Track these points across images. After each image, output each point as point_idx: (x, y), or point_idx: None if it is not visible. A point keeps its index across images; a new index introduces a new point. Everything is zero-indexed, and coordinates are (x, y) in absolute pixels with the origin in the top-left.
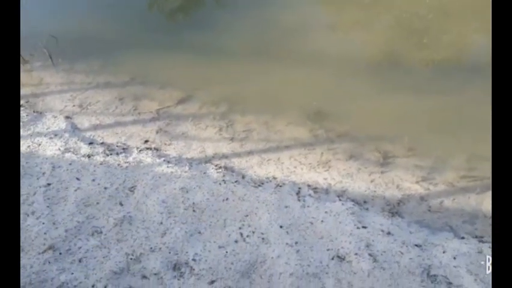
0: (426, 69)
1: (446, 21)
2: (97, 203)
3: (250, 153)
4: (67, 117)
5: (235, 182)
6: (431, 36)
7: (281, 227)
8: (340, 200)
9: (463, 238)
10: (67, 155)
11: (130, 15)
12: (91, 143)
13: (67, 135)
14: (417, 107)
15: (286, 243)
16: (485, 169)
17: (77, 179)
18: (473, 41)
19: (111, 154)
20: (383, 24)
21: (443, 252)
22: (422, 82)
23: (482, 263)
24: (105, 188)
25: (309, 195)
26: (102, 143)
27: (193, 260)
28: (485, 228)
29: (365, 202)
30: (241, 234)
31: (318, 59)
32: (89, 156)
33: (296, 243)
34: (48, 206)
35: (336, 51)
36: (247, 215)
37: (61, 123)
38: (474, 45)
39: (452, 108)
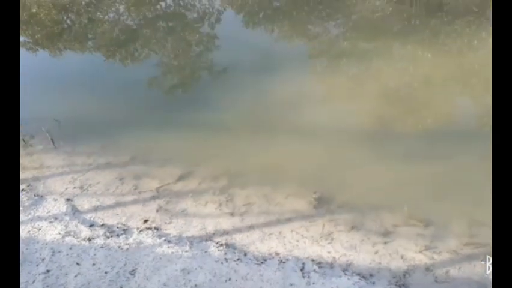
0: (417, 136)
1: (430, 89)
2: None
3: (251, 227)
4: (68, 200)
5: (237, 260)
6: (419, 103)
7: None
8: (346, 274)
9: None
10: (67, 238)
11: (129, 95)
12: (91, 225)
13: (67, 218)
14: (412, 174)
15: None
16: (487, 235)
17: (77, 264)
18: (460, 106)
19: (111, 236)
20: (371, 94)
21: None
22: (414, 148)
23: None
24: (106, 273)
25: (314, 270)
26: (102, 225)
27: None
28: None
29: (370, 275)
30: None
31: (313, 131)
32: (89, 239)
33: None
34: None
35: (329, 122)
36: None
37: (62, 206)
38: (461, 110)
39: (446, 174)
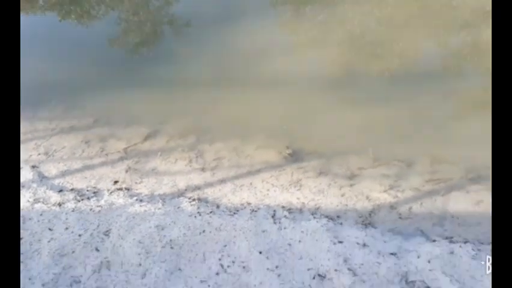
0: (382, 79)
1: (396, 32)
2: (73, 252)
3: (222, 181)
4: (33, 167)
5: (210, 212)
6: (384, 47)
7: (260, 252)
8: (314, 217)
9: (434, 241)
10: (37, 205)
11: (89, 56)
12: (60, 191)
13: (34, 185)
14: (376, 117)
15: (267, 269)
16: (448, 171)
17: (50, 229)
18: (424, 47)
19: (82, 199)
20: (337, 40)
21: (418, 257)
22: (379, 92)
23: (456, 263)
24: (79, 235)
25: (285, 216)
26: (72, 189)
27: None
28: (454, 229)
29: (338, 217)
30: (222, 266)
31: (279, 81)
32: (59, 204)
33: (277, 267)
34: (22, 261)
35: (294, 71)
36: (225, 245)
37: (28, 174)
38: (425, 52)
39: (409, 115)
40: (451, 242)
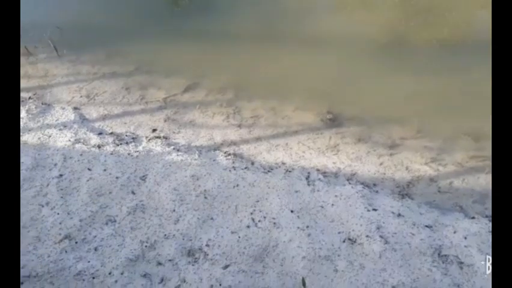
0: (432, 49)
1: (450, 0)
2: (110, 193)
3: (258, 139)
4: (75, 108)
5: (245, 168)
6: (436, 15)
7: (292, 211)
8: (350, 183)
9: (473, 218)
10: (77, 145)
11: (134, 4)
12: (100, 133)
13: (76, 126)
14: (424, 88)
15: (298, 227)
16: None
17: (89, 169)
18: (478, 17)
19: (121, 144)
20: (387, 4)
21: (454, 232)
22: (428, 62)
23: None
24: (117, 178)
25: (319, 179)
26: (111, 133)
27: (207, 245)
28: None
29: (374, 185)
30: (253, 220)
31: (323, 42)
32: (99, 146)
33: (307, 227)
34: (62, 197)
35: (340, 33)
36: (258, 201)
37: (70, 115)
38: (479, 22)
39: (459, 88)
40: (490, 220)
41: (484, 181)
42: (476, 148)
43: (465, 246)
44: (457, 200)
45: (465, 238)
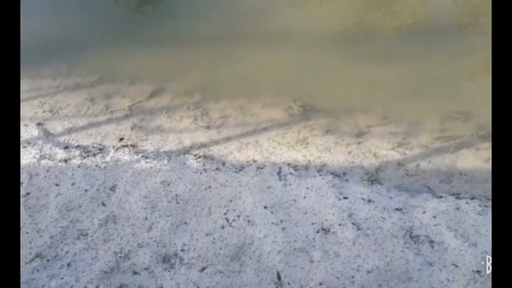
0: (392, 37)
1: None
2: (80, 206)
3: (228, 139)
4: (39, 124)
5: (216, 169)
6: (398, 4)
7: (265, 207)
8: (320, 174)
9: (441, 197)
10: (43, 162)
11: (94, 14)
12: (66, 147)
13: (40, 142)
14: (386, 75)
15: (272, 223)
16: (457, 128)
17: (56, 184)
18: (434, 4)
19: (88, 156)
20: None
21: (423, 212)
22: (389, 50)
23: (461, 218)
24: (86, 191)
25: (290, 173)
26: (77, 146)
27: (182, 250)
28: (461, 185)
29: (344, 174)
30: (227, 220)
31: (286, 38)
32: (65, 160)
33: (281, 221)
34: (30, 215)
35: (302, 28)
36: (231, 200)
37: (33, 131)
38: (439, 9)
39: (420, 73)
40: (457, 198)
41: (450, 160)
42: (441, 129)
43: (434, 225)
44: (425, 181)
45: (434, 217)
